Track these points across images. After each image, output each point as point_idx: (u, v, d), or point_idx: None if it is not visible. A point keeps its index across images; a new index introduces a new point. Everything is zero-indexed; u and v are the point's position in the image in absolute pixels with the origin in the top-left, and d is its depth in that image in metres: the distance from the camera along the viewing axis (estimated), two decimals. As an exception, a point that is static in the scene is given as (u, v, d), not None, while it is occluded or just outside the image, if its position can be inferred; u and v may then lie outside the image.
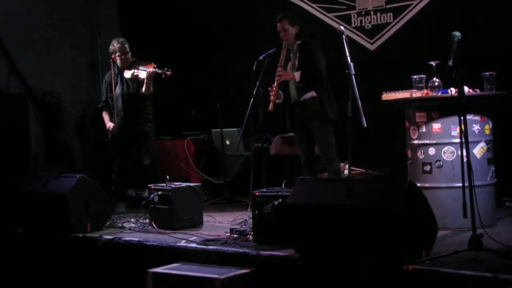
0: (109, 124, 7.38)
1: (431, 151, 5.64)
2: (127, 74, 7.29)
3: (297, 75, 6.23)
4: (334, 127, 6.26)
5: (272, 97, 6.17)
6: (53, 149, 9.09)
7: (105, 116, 7.46)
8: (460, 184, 4.70)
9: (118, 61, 7.37)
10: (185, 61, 8.69)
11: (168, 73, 7.13)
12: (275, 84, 6.20)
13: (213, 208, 7.39)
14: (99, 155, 8.82)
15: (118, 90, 7.35)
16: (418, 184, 5.15)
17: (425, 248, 4.43)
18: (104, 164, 7.65)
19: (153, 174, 7.32)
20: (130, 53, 7.36)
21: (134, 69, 7.25)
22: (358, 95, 5.41)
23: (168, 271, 4.81)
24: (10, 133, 8.17)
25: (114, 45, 7.36)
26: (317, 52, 6.25)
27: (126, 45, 7.36)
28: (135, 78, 7.25)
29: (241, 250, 5.07)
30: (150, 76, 7.14)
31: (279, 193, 5.20)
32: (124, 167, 7.44)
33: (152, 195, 6.24)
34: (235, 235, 5.43)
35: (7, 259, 6.38)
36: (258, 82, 6.06)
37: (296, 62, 6.33)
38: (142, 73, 7.18)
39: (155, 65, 7.24)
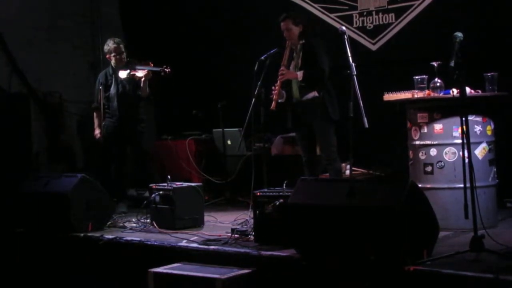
0: (96, 132, 7.42)
1: (433, 151, 5.64)
2: (122, 74, 7.30)
3: (300, 74, 6.22)
4: (335, 127, 6.26)
5: (274, 96, 6.17)
6: (54, 148, 9.10)
7: (95, 120, 7.48)
8: (462, 185, 4.70)
9: (113, 61, 7.39)
10: (187, 61, 8.69)
11: (167, 70, 7.15)
12: (277, 83, 6.20)
13: (214, 208, 7.39)
14: (99, 155, 8.82)
15: (113, 90, 7.36)
16: (420, 185, 5.16)
17: (426, 249, 4.43)
18: (104, 164, 7.65)
19: (149, 174, 7.34)
20: (125, 54, 7.38)
21: (130, 69, 7.25)
22: (359, 96, 5.41)
23: (169, 271, 4.81)
24: (11, 133, 8.16)
25: (110, 45, 7.37)
26: (321, 52, 6.25)
27: (122, 45, 7.38)
28: (131, 77, 7.25)
29: (242, 250, 5.07)
30: (147, 77, 7.15)
31: (280, 193, 5.20)
32: (121, 167, 7.46)
33: (153, 195, 6.24)
34: (236, 235, 5.43)
35: (8, 258, 6.38)
36: (259, 82, 6.06)
37: (299, 62, 6.33)
38: (139, 72, 7.19)
39: (152, 63, 7.25)
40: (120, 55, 7.34)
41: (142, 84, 7.19)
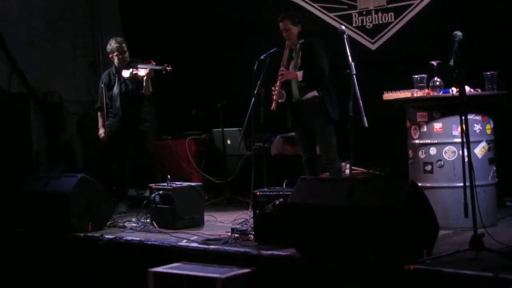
0: (100, 132, 7.42)
1: (432, 150, 5.64)
2: (125, 73, 7.29)
3: (299, 74, 6.22)
4: (335, 127, 6.26)
5: (274, 97, 6.16)
6: (54, 148, 9.10)
7: (100, 119, 7.48)
8: (461, 184, 4.70)
9: (116, 61, 7.38)
10: (187, 61, 8.69)
11: (168, 68, 7.14)
12: (277, 83, 6.20)
13: (214, 207, 7.39)
14: (100, 155, 8.83)
15: (116, 90, 7.36)
16: (419, 184, 5.15)
17: (426, 248, 4.43)
18: (105, 164, 7.66)
19: (151, 173, 7.34)
20: (127, 53, 7.37)
21: (133, 68, 7.25)
22: (359, 95, 5.41)
23: (169, 271, 4.81)
24: (11, 133, 8.17)
25: (112, 44, 7.36)
26: (320, 51, 6.24)
27: (124, 45, 7.36)
28: (134, 76, 7.25)
29: (242, 249, 5.07)
30: (149, 75, 7.15)
31: (280, 193, 5.20)
32: (122, 167, 7.46)
33: (153, 195, 6.25)
34: (236, 235, 5.43)
35: (8, 258, 6.38)
36: (259, 82, 6.05)
37: (299, 61, 6.32)
38: (141, 71, 7.19)
39: (154, 62, 7.25)
40: (123, 54, 7.34)
41: (144, 83, 7.19)
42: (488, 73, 5.60)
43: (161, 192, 6.22)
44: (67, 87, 9.27)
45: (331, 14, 7.92)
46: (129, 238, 5.86)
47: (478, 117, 5.59)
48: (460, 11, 6.86)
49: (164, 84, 7.58)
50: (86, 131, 9.28)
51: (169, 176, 6.40)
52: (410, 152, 5.86)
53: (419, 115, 5.73)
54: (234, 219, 6.30)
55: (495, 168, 5.70)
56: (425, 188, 5.26)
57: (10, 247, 6.43)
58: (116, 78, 7.38)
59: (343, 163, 6.55)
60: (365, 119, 5.41)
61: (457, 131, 5.49)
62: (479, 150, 5.57)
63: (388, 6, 7.48)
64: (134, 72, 7.24)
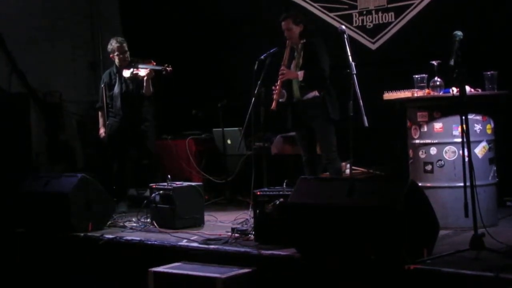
0: (101, 132, 7.43)
1: (433, 150, 5.64)
2: (126, 73, 7.30)
3: (300, 74, 6.22)
4: (335, 127, 6.26)
5: (275, 96, 6.17)
6: (54, 148, 9.10)
7: (100, 119, 7.49)
8: (462, 184, 4.71)
9: (117, 60, 7.38)
10: (187, 61, 8.69)
11: (169, 69, 7.15)
12: (278, 82, 6.20)
13: (214, 207, 7.39)
14: (100, 155, 8.83)
15: (116, 90, 7.36)
16: (420, 184, 5.15)
17: (426, 248, 4.43)
18: (105, 164, 7.66)
19: (153, 173, 7.34)
20: (128, 53, 7.37)
21: (133, 68, 7.25)
22: (359, 95, 5.40)
23: (169, 271, 4.81)
24: (11, 133, 8.17)
25: (113, 44, 7.36)
26: (321, 51, 6.24)
27: (125, 44, 7.37)
28: (134, 76, 7.25)
29: (242, 249, 5.07)
30: (149, 75, 7.15)
31: (281, 193, 5.20)
32: (123, 167, 7.46)
33: (153, 195, 6.25)
34: (236, 235, 5.43)
35: (8, 258, 6.38)
36: (259, 82, 6.05)
37: (300, 61, 6.32)
38: (142, 71, 7.19)
39: (154, 62, 7.25)
40: (124, 54, 7.34)
41: (145, 83, 7.20)
42: (488, 73, 5.61)
43: (161, 192, 6.22)
44: (67, 87, 9.26)
45: (331, 14, 7.92)
46: (129, 238, 5.86)
47: (479, 117, 5.59)
48: (460, 11, 6.86)
49: (164, 84, 7.58)
50: (86, 131, 9.28)
51: (169, 176, 6.40)
52: (410, 152, 5.86)
53: (420, 115, 5.73)
54: (234, 219, 6.29)
55: (495, 168, 5.69)
56: (425, 188, 5.26)
57: (10, 247, 6.42)
58: (117, 78, 7.39)
59: (343, 163, 6.55)
60: (365, 119, 5.40)
61: (457, 131, 5.49)
62: (480, 150, 5.57)
63: (389, 6, 7.48)
64: (134, 72, 7.24)
